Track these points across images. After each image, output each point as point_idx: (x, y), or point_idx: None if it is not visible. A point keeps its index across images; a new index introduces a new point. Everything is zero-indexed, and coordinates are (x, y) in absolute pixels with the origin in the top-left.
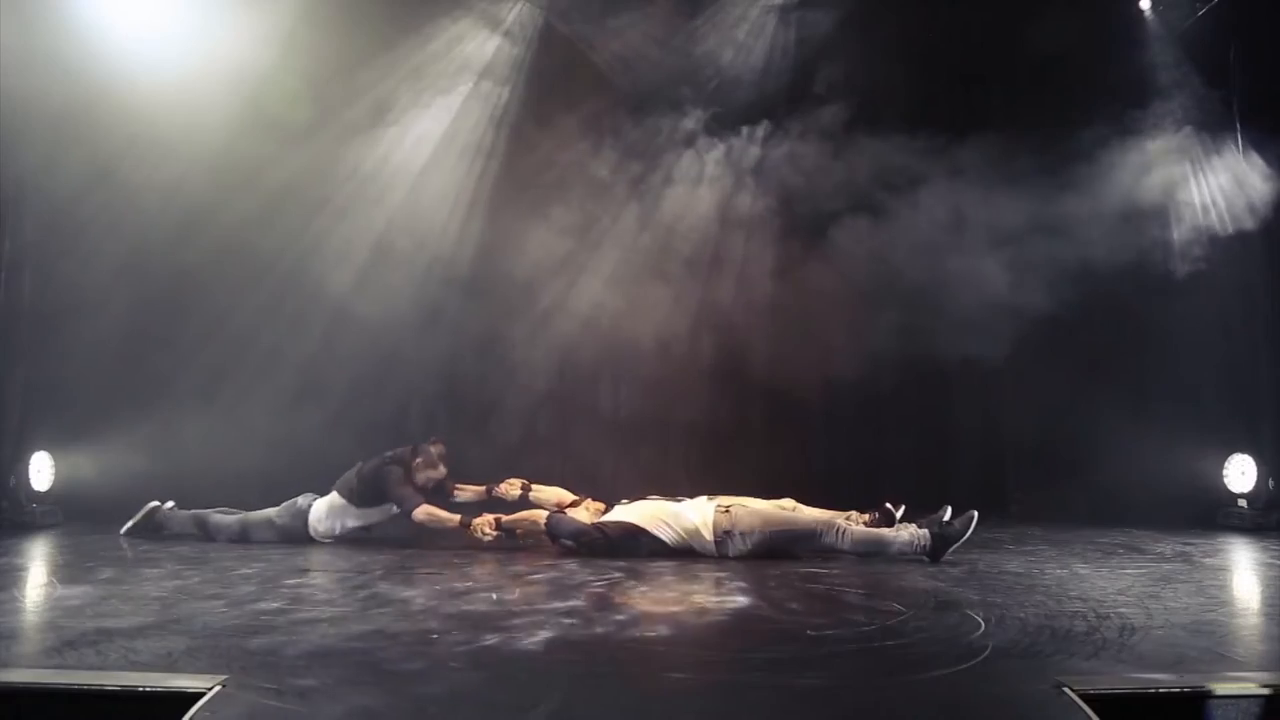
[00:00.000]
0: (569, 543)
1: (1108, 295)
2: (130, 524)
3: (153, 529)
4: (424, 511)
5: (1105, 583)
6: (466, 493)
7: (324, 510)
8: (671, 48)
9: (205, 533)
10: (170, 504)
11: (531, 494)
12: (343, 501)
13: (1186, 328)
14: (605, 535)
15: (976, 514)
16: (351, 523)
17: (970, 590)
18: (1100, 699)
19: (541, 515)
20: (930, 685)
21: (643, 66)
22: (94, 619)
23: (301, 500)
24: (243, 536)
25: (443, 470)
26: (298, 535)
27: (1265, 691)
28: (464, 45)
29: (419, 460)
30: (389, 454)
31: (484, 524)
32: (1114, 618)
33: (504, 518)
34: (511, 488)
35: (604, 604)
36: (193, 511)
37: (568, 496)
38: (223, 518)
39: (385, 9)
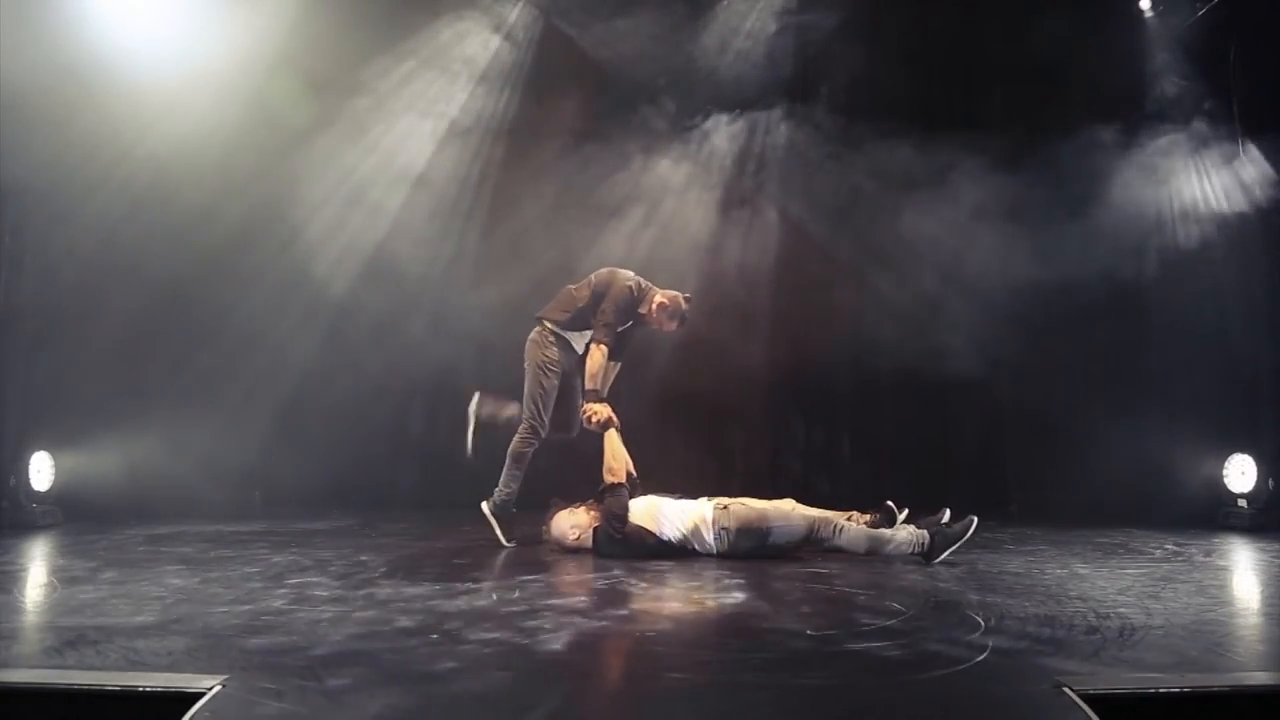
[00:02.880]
0: (575, 533)
1: (1107, 294)
2: (470, 443)
3: (491, 426)
4: (600, 352)
5: (1105, 583)
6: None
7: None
8: (670, 48)
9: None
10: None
11: (606, 441)
12: (554, 329)
13: (1186, 327)
14: (622, 533)
15: (976, 519)
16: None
17: (970, 590)
18: (1100, 699)
19: (620, 474)
20: (930, 685)
21: (642, 66)
22: (94, 619)
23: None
24: (544, 394)
25: (675, 326)
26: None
27: (1265, 691)
28: (465, 45)
29: (663, 301)
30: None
31: (602, 413)
32: (1114, 618)
33: (614, 433)
34: (611, 421)
35: (603, 603)
36: (489, 409)
37: (628, 474)
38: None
39: (385, 8)
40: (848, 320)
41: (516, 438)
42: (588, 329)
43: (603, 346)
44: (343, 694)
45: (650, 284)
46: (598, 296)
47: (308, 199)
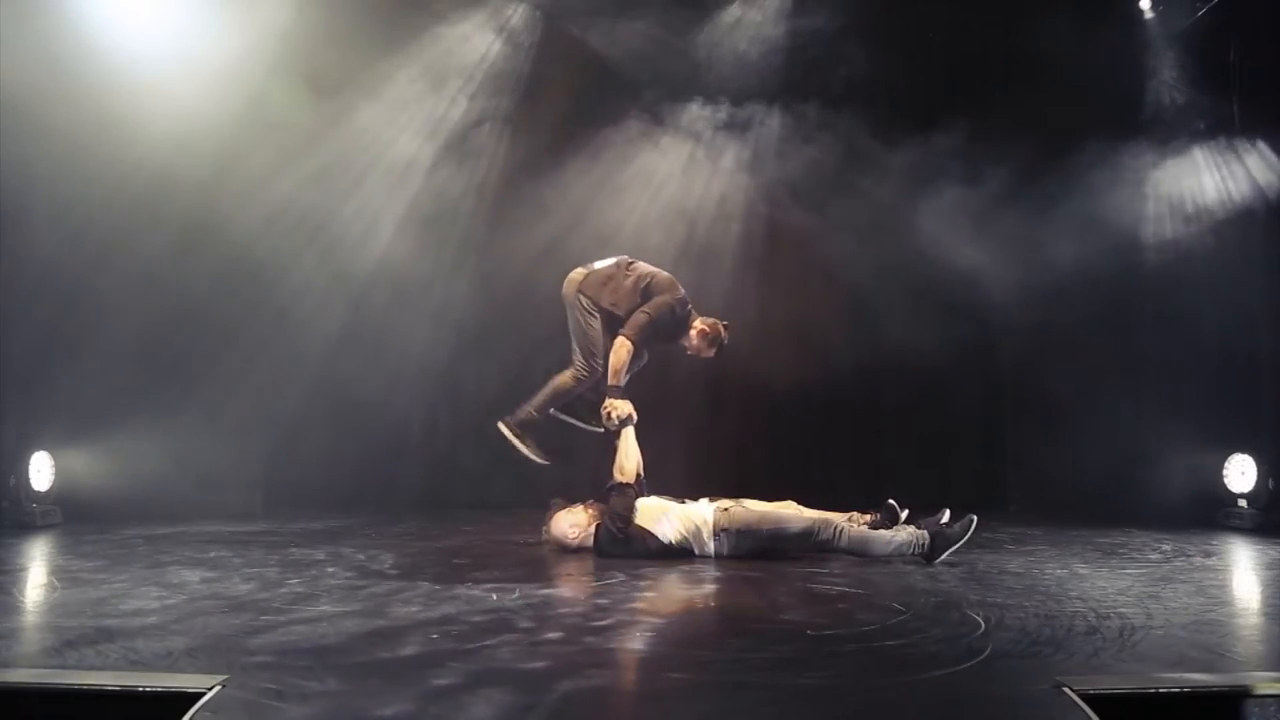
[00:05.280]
0: (574, 533)
1: (1107, 294)
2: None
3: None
4: (625, 349)
5: (1105, 583)
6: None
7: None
8: (667, 46)
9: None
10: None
11: (622, 438)
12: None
13: (1187, 327)
14: (625, 533)
15: (976, 519)
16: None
17: (970, 590)
18: (1100, 699)
19: (630, 474)
20: (930, 685)
21: (639, 65)
22: (94, 619)
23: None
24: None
25: (714, 353)
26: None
27: (1265, 691)
28: (464, 45)
29: (704, 327)
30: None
31: (623, 409)
32: (1114, 618)
33: (631, 432)
34: (631, 418)
35: (603, 603)
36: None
37: (633, 477)
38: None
39: (385, 10)
40: (847, 319)
41: (568, 373)
42: (617, 314)
43: (629, 344)
44: (343, 694)
45: (688, 307)
46: (645, 294)
47: (308, 203)
